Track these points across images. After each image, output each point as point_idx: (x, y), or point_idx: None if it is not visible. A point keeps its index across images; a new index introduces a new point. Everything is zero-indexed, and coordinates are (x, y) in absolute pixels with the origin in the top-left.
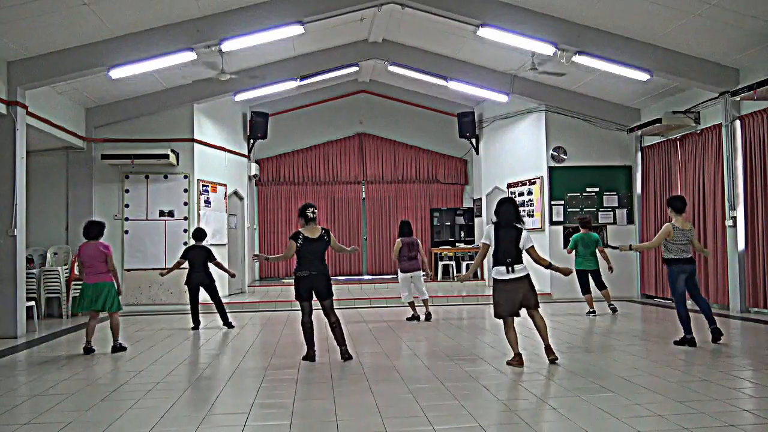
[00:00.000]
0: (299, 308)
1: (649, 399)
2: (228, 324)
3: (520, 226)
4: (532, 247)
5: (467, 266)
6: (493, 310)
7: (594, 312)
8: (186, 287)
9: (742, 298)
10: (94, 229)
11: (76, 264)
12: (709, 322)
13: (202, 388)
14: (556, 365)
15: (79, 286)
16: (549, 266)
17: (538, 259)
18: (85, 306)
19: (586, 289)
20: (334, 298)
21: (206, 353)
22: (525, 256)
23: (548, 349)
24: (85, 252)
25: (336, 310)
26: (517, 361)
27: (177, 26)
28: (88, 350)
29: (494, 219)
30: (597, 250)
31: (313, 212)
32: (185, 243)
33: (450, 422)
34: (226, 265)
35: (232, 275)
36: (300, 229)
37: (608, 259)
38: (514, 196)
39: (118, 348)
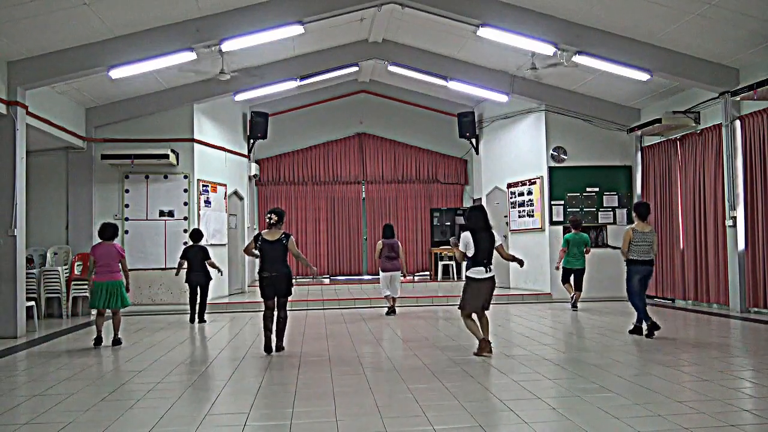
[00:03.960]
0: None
1: (649, 399)
2: (202, 320)
3: (491, 230)
4: (501, 245)
5: (466, 266)
6: (461, 304)
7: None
8: (186, 285)
9: (742, 298)
10: (109, 231)
11: (78, 263)
12: (645, 320)
13: (202, 388)
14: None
15: (80, 287)
16: (512, 258)
17: (505, 255)
18: (100, 302)
19: (565, 280)
20: (334, 298)
21: (206, 353)
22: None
23: (486, 342)
24: (100, 251)
25: (336, 310)
26: (485, 346)
27: (177, 26)
28: (100, 341)
29: (468, 226)
30: (584, 250)
31: (269, 218)
32: (185, 243)
33: (450, 422)
34: (218, 264)
35: (220, 272)
36: (262, 232)
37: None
38: (513, 196)
39: (117, 341)
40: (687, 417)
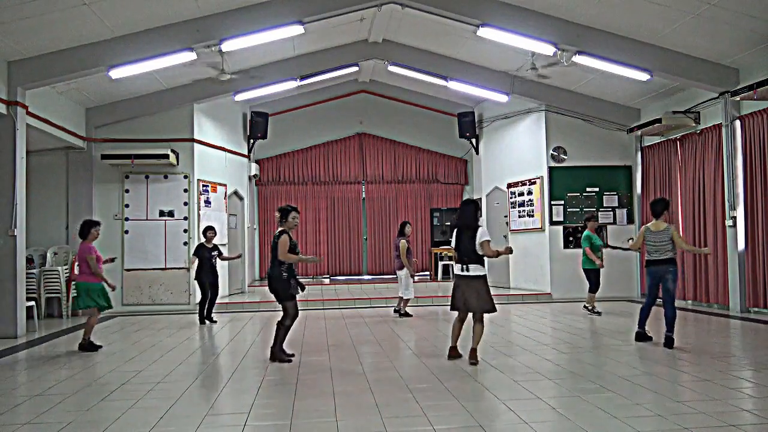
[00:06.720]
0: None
1: (649, 399)
2: (211, 320)
3: (478, 225)
4: (484, 242)
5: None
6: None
7: (599, 312)
8: (197, 283)
9: (742, 298)
10: (82, 230)
11: (78, 263)
12: (639, 323)
13: (202, 388)
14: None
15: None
16: (497, 254)
17: (488, 253)
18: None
19: (593, 288)
20: (334, 298)
21: (206, 353)
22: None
23: (472, 352)
24: (78, 251)
25: (336, 310)
26: (453, 353)
27: (177, 26)
28: (88, 347)
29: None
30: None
31: (295, 216)
32: (185, 243)
33: (450, 422)
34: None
35: (239, 256)
36: None
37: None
38: (513, 196)
39: (84, 346)
40: (687, 417)
